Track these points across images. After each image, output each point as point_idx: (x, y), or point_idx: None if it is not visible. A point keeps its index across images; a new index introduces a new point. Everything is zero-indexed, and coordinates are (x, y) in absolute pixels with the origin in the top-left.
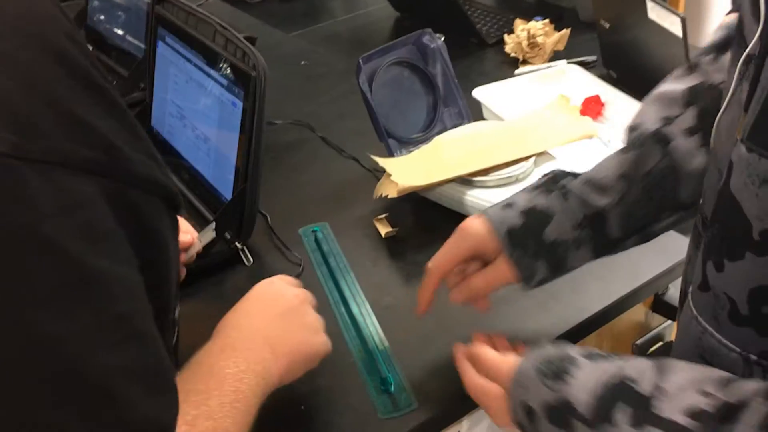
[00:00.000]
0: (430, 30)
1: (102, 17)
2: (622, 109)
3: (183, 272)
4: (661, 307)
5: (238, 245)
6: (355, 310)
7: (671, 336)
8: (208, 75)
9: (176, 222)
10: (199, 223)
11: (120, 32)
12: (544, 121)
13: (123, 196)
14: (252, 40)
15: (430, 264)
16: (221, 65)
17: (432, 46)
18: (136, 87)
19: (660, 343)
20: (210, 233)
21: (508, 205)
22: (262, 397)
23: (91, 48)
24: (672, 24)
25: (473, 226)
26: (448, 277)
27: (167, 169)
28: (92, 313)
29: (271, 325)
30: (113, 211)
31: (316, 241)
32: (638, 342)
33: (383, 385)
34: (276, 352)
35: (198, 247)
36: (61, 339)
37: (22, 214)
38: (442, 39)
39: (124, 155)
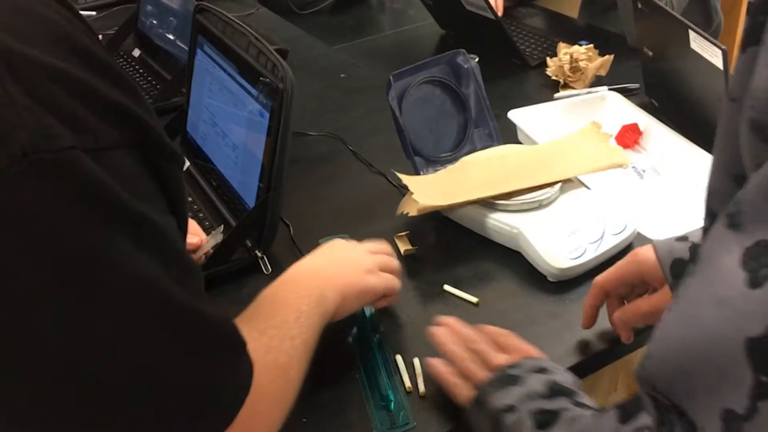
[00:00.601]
0: (463, 50)
1: (154, 21)
2: (661, 139)
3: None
4: None
5: (258, 254)
6: (365, 325)
7: None
8: (240, 84)
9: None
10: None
11: (171, 37)
12: (573, 147)
13: (152, 162)
14: (284, 53)
15: (596, 279)
16: (252, 76)
17: (465, 66)
18: (178, 92)
19: None
20: (218, 236)
21: (682, 237)
22: (321, 320)
23: (139, 52)
24: (713, 56)
25: (644, 253)
26: (609, 299)
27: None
28: (166, 255)
29: (329, 265)
30: (147, 174)
31: None
32: None
33: (383, 401)
34: (331, 283)
35: (206, 248)
36: (157, 280)
37: (97, 193)
38: (477, 60)
39: (151, 128)
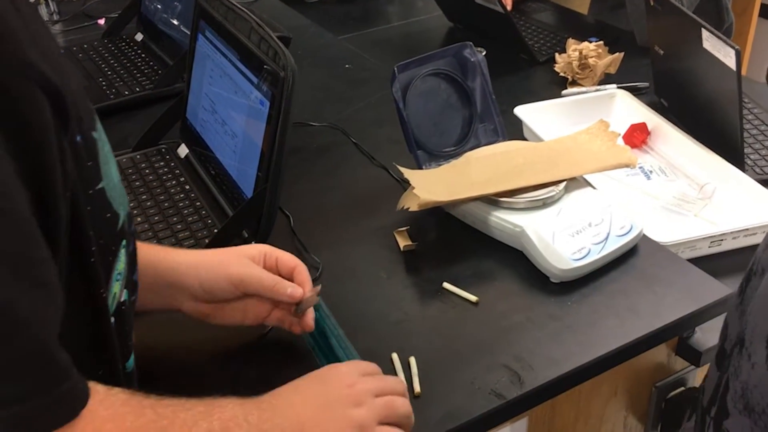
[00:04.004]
0: (470, 43)
1: (158, 6)
2: (669, 140)
3: (310, 323)
4: (684, 351)
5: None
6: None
7: (694, 381)
8: (241, 71)
9: (65, 131)
10: (218, 218)
11: (175, 22)
12: (579, 145)
13: None
14: (286, 41)
15: None
16: (253, 63)
17: (472, 59)
18: (179, 77)
19: (682, 388)
20: (315, 297)
21: None
22: None
23: (141, 36)
24: (726, 56)
25: None
26: None
27: (77, 77)
28: None
29: (310, 411)
30: None
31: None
32: (659, 384)
33: None
34: None
35: (313, 299)
36: None
37: None
38: (484, 53)
39: None
